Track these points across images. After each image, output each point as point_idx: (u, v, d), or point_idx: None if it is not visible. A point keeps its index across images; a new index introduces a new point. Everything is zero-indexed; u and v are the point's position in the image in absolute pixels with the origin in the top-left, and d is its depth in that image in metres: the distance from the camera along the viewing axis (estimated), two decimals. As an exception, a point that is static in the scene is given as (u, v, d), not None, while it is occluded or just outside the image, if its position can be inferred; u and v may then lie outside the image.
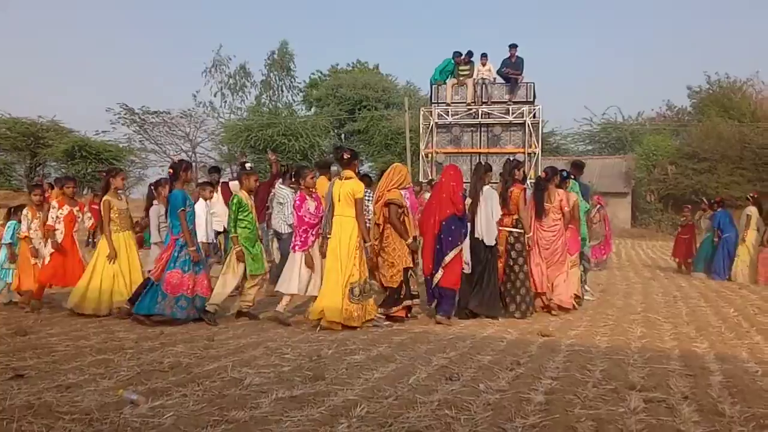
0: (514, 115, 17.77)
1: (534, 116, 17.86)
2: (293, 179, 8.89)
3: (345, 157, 7.73)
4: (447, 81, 18.41)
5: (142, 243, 8.58)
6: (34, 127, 35.49)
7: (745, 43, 73.33)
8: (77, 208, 8.68)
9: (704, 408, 4.46)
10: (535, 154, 17.83)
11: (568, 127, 48.20)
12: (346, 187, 7.45)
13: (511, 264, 8.61)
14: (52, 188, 19.59)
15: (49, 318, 7.70)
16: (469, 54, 18.22)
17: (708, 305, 9.83)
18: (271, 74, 42.38)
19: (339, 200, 7.49)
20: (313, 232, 7.87)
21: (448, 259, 7.90)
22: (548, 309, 8.90)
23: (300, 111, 41.91)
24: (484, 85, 18.01)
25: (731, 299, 10.54)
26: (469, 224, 8.21)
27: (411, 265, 7.93)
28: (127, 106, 36.89)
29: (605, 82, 73.53)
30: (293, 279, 7.77)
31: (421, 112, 19.16)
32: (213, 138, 39.58)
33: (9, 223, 8.96)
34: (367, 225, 7.85)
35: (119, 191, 8.29)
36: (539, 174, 9.54)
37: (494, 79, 18.22)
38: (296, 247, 7.85)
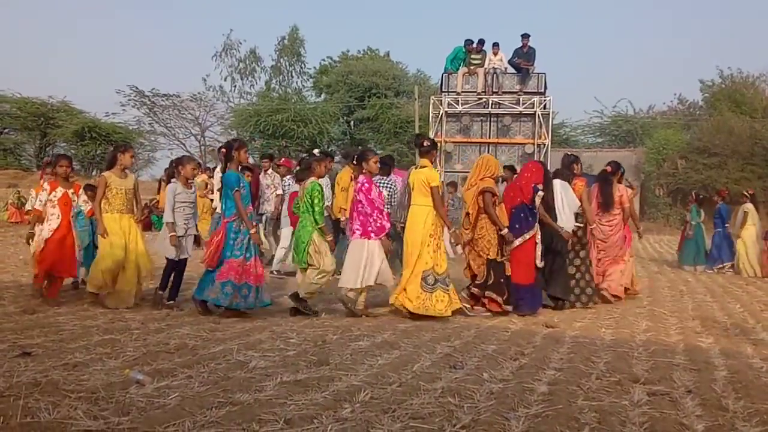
0: (525, 106, 17.70)
1: (544, 107, 17.78)
2: (355, 163, 8.51)
3: (425, 144, 7.73)
4: (458, 70, 18.33)
5: (151, 226, 8.54)
6: (45, 107, 35.55)
7: (759, 38, 72.67)
8: (72, 190, 7.93)
9: (707, 402, 4.46)
10: (544, 145, 17.78)
11: (578, 119, 48.02)
12: (421, 175, 7.45)
13: (572, 257, 8.76)
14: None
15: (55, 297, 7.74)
16: (481, 42, 18.14)
17: (714, 300, 9.81)
18: (281, 60, 42.27)
19: (413, 188, 7.50)
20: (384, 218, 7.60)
21: (516, 243, 7.90)
22: (603, 299, 9.11)
23: (309, 97, 41.81)
24: (495, 75, 17.94)
25: (738, 295, 10.51)
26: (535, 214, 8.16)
27: (498, 258, 7.79)
28: (137, 88, 36.90)
29: (617, 74, 73.03)
30: (355, 272, 7.40)
31: (431, 101, 19.10)
32: (222, 122, 39.59)
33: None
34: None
35: (126, 170, 7.66)
36: (604, 168, 9.63)
37: (505, 68, 18.15)
38: (373, 234, 7.45)
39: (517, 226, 7.97)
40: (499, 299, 7.79)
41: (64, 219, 7.66)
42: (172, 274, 7.72)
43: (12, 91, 35.50)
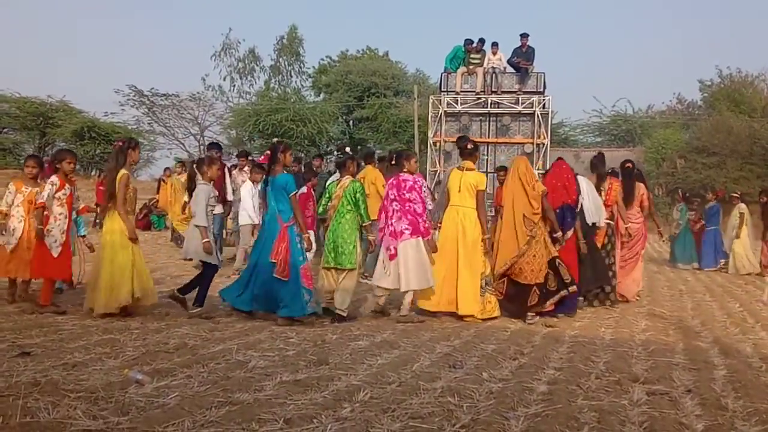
0: (524, 105, 17.68)
1: (543, 107, 17.76)
2: (393, 164, 8.17)
3: (468, 147, 7.73)
4: (457, 69, 18.33)
5: (150, 226, 8.42)
6: (44, 106, 35.50)
7: (758, 37, 72.68)
8: (73, 187, 7.45)
9: (707, 402, 4.46)
10: (543, 145, 17.75)
11: (578, 119, 48.00)
12: (469, 178, 7.46)
13: (604, 255, 8.80)
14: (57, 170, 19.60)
15: (54, 297, 7.72)
16: (481, 42, 18.13)
17: (713, 300, 9.81)
18: (281, 59, 42.28)
19: (459, 190, 7.47)
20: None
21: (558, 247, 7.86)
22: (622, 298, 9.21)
23: (309, 97, 41.77)
24: (494, 74, 17.92)
25: (737, 294, 10.52)
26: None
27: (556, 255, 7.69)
28: (136, 87, 36.86)
29: (616, 74, 72.99)
30: (421, 272, 7.25)
31: (430, 101, 19.08)
32: (221, 122, 39.56)
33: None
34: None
35: (132, 167, 7.25)
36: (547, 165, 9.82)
37: (504, 68, 18.13)
38: (417, 235, 7.32)
39: (562, 226, 7.96)
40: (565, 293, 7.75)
41: (69, 220, 7.22)
42: (198, 279, 7.39)
43: (11, 90, 35.46)
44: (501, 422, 3.86)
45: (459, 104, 18.09)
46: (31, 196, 7.32)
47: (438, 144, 18.53)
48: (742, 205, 13.99)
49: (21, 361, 4.74)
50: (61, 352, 5.09)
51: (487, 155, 17.49)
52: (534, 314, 7.56)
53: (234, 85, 42.27)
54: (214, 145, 11.40)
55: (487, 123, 18.20)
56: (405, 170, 7.58)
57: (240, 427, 3.60)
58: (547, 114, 18.03)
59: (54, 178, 7.10)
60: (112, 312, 6.66)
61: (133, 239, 6.81)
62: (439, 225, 7.69)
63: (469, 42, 18.09)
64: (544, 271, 7.52)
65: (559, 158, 8.84)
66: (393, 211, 7.43)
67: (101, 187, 18.62)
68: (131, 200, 6.96)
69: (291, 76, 42.75)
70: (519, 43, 17.86)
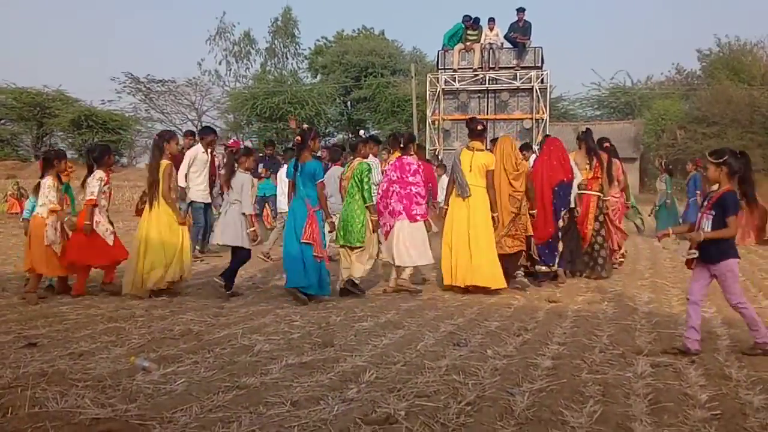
0: (522, 81, 17.60)
1: (542, 81, 17.67)
2: (402, 146, 8.15)
3: (479, 128, 7.97)
4: (454, 47, 18.22)
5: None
6: (40, 96, 35.45)
7: (756, 5, 72.10)
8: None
9: (711, 372, 4.49)
10: (542, 120, 17.68)
11: (576, 92, 47.80)
12: (480, 159, 7.69)
13: (598, 228, 8.99)
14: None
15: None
16: (476, 20, 18.01)
17: (716, 270, 9.81)
18: (276, 41, 42.06)
19: (470, 170, 7.69)
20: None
21: (561, 223, 8.32)
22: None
23: (306, 78, 41.68)
24: (491, 50, 17.81)
25: (740, 264, 10.50)
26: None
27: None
28: (132, 75, 36.79)
29: (614, 45, 72.56)
30: (412, 249, 7.61)
31: (428, 79, 18.98)
32: (218, 106, 39.47)
33: (30, 199, 7.86)
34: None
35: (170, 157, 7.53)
36: (542, 140, 9.97)
37: (502, 43, 18.01)
38: (420, 216, 7.71)
39: (558, 204, 8.32)
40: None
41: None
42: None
43: (6, 81, 35.37)
44: (506, 398, 3.88)
45: (457, 82, 18.00)
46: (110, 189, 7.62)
47: (437, 122, 18.46)
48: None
49: (28, 351, 4.76)
50: (67, 341, 5.12)
51: (486, 132, 17.44)
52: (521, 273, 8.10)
53: (230, 69, 42.22)
54: (209, 130, 11.25)
55: (486, 99, 18.12)
56: (411, 153, 7.88)
57: (247, 411, 3.62)
58: (546, 89, 17.95)
59: (101, 173, 7.39)
60: (161, 288, 7.18)
61: (182, 223, 7.33)
62: (446, 206, 7.94)
63: (467, 18, 17.97)
64: (523, 243, 7.98)
65: (548, 136, 9.09)
66: (393, 192, 7.70)
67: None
68: (174, 188, 7.49)
69: (287, 58, 42.66)
70: (515, 18, 17.73)
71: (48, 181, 7.18)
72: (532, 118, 17.54)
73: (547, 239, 8.32)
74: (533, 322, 6.15)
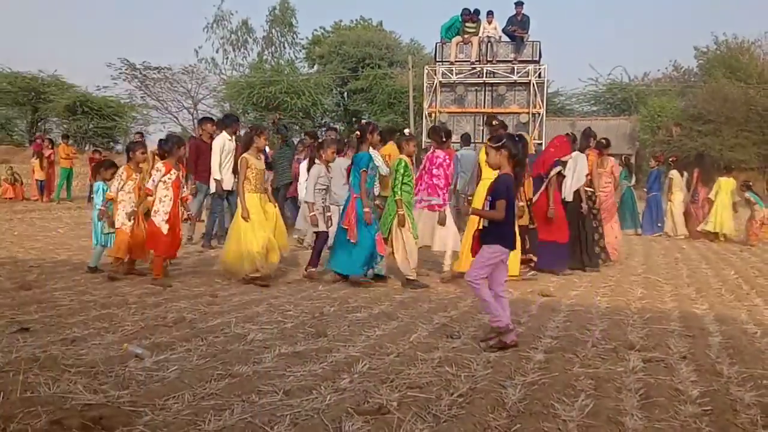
0: (519, 75, 17.59)
1: (539, 76, 17.67)
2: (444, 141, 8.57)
3: (494, 123, 8.28)
4: (452, 39, 18.17)
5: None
6: (36, 81, 35.24)
7: (754, 3, 72.13)
8: (182, 172, 7.90)
9: (702, 368, 4.51)
10: (539, 114, 17.69)
11: (573, 87, 47.79)
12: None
13: (591, 220, 9.29)
14: (53, 144, 19.45)
15: (51, 273, 7.74)
16: (476, 13, 17.97)
17: (709, 267, 9.87)
18: (273, 30, 41.88)
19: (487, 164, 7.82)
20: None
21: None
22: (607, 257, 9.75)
23: (302, 68, 41.46)
24: (489, 44, 17.79)
25: (732, 262, 10.58)
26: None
27: (529, 225, 8.39)
28: (128, 61, 36.53)
29: (612, 41, 72.52)
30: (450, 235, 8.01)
31: (425, 71, 18.95)
32: (215, 95, 39.32)
33: (97, 184, 8.07)
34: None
35: (259, 152, 7.74)
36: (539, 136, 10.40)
37: (500, 37, 17.99)
38: (437, 207, 8.04)
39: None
40: (535, 259, 8.51)
41: (175, 203, 7.50)
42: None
43: (1, 65, 35.14)
44: (498, 391, 3.90)
45: (454, 74, 17.98)
46: (178, 180, 7.63)
47: (433, 115, 18.44)
48: (674, 171, 14.60)
49: (20, 336, 4.75)
50: (59, 327, 5.11)
51: (483, 126, 17.42)
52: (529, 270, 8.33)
53: (227, 58, 41.99)
54: (233, 118, 11.23)
55: (483, 93, 18.12)
56: (445, 146, 8.34)
57: (240, 399, 3.63)
58: (543, 83, 17.96)
59: (160, 165, 7.48)
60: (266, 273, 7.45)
61: (244, 217, 7.34)
62: (470, 197, 8.08)
63: (466, 12, 17.92)
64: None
65: (560, 135, 9.38)
66: (424, 182, 8.15)
67: (94, 163, 18.62)
68: (254, 178, 7.52)
69: (284, 48, 42.46)
70: (514, 12, 17.70)
71: (158, 164, 7.51)
72: (528, 113, 17.56)
73: (554, 240, 8.64)
74: (526, 316, 6.16)
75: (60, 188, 19.14)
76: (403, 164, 7.66)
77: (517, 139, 5.15)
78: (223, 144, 10.16)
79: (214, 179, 10.13)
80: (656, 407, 3.71)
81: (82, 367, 4.04)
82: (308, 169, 8.63)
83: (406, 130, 8.51)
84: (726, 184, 13.91)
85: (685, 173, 14.67)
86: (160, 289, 6.92)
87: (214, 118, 12.69)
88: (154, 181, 7.40)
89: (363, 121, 8.12)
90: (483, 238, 4.99)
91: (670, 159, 15.55)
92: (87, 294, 6.54)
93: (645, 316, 6.26)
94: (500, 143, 5.00)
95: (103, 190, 7.75)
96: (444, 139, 8.34)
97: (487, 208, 4.99)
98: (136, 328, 5.19)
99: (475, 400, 3.73)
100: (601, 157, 10.27)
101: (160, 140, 8.19)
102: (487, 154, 5.17)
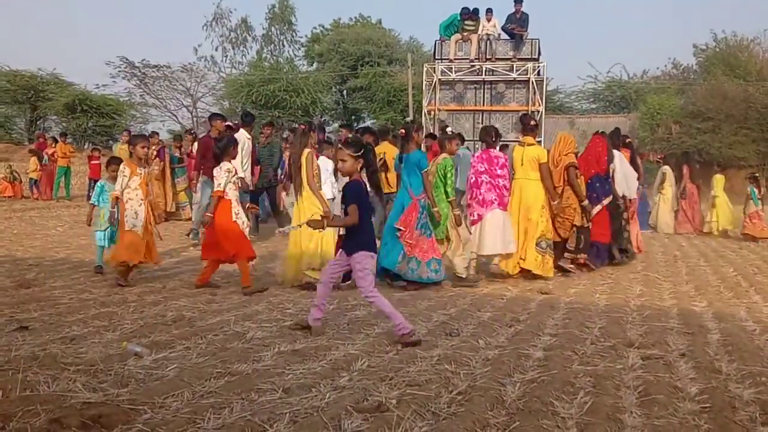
0: (518, 72, 17.59)
1: (538, 73, 17.66)
2: (405, 138, 8.30)
3: (532, 123, 8.42)
4: (451, 37, 18.16)
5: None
6: (35, 80, 35.13)
7: (753, 0, 72.07)
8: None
9: (701, 365, 4.51)
10: (538, 112, 17.69)
11: (572, 85, 47.75)
12: (532, 153, 8.10)
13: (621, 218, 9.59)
14: (56, 142, 19.43)
15: (50, 271, 7.74)
16: (476, 11, 17.96)
17: (708, 264, 9.87)
18: (272, 28, 41.81)
19: (522, 164, 8.10)
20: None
21: (595, 210, 8.75)
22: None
23: (302, 66, 41.39)
24: (488, 41, 17.78)
25: (731, 259, 10.58)
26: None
27: (585, 225, 8.53)
28: (126, 59, 36.42)
29: (611, 38, 72.43)
30: (500, 238, 7.83)
31: (425, 69, 18.94)
32: (214, 93, 39.24)
33: (99, 184, 7.98)
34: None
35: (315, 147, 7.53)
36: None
37: (499, 35, 17.98)
38: (503, 206, 7.95)
39: (594, 195, 8.81)
40: (588, 259, 8.71)
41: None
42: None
43: (0, 64, 35.07)
44: (497, 388, 3.90)
45: (453, 72, 17.97)
46: (147, 178, 7.34)
47: (432, 113, 18.43)
48: (666, 167, 14.90)
49: (19, 335, 4.76)
50: (59, 325, 5.11)
51: (482, 123, 17.41)
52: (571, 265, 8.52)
53: (226, 56, 41.87)
54: (252, 116, 11.21)
55: (482, 90, 18.12)
56: (494, 147, 8.26)
57: (239, 398, 3.63)
58: (542, 81, 17.95)
59: (228, 165, 7.12)
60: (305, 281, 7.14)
61: (327, 213, 6.94)
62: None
63: (465, 10, 17.91)
64: (572, 234, 8.46)
65: (598, 135, 9.49)
66: (482, 182, 7.95)
67: (93, 162, 18.62)
68: (317, 176, 7.34)
69: (283, 46, 42.34)
70: (513, 10, 17.69)
71: (226, 166, 7.09)
72: (527, 110, 17.52)
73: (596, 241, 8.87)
74: (525, 314, 6.17)
75: (57, 186, 19.12)
76: (451, 164, 7.68)
77: (369, 146, 5.34)
78: (244, 142, 10.13)
79: (238, 177, 10.01)
80: (655, 404, 3.71)
81: (82, 366, 4.05)
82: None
83: (449, 129, 8.41)
84: (720, 181, 14.29)
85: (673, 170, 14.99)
86: (160, 288, 6.92)
87: (224, 115, 12.60)
88: (222, 183, 6.95)
89: (408, 119, 8.02)
90: (344, 246, 5.09)
91: (658, 157, 15.67)
92: (86, 292, 6.54)
93: (644, 313, 6.26)
94: (360, 152, 5.08)
95: (101, 187, 7.64)
96: (494, 139, 8.21)
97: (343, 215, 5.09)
98: (135, 326, 5.19)
99: (474, 397, 3.73)
100: None
101: (214, 139, 8.06)
102: (343, 160, 5.09)
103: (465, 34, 17.97)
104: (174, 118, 38.25)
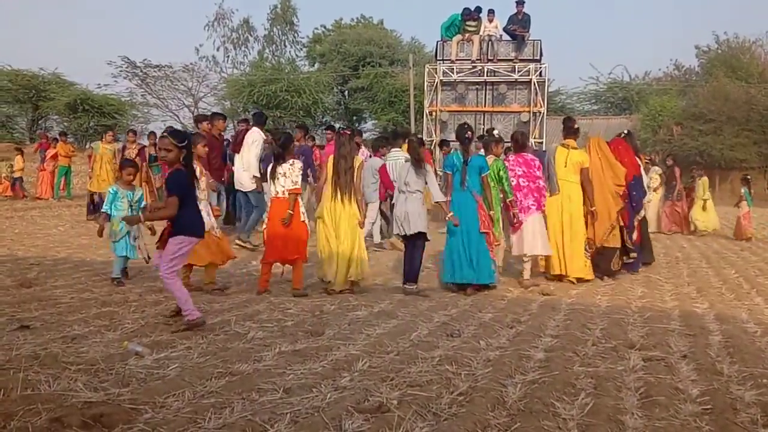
0: (520, 73, 17.54)
1: (540, 75, 17.61)
2: (522, 146, 8.57)
3: (574, 127, 8.51)
4: (453, 38, 18.14)
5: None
6: (36, 79, 35.17)
7: (755, 2, 72.00)
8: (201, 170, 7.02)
9: (703, 367, 4.51)
10: (540, 113, 17.65)
11: (574, 86, 47.73)
12: (576, 156, 8.21)
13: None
14: (56, 142, 19.40)
15: (52, 271, 7.74)
16: (478, 10, 17.94)
17: (709, 266, 9.86)
18: (274, 29, 41.86)
19: (565, 166, 8.19)
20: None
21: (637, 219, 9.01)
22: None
23: (303, 67, 41.41)
24: (490, 42, 17.75)
25: (733, 261, 10.57)
26: None
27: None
28: (128, 59, 36.46)
29: (613, 40, 72.48)
30: (540, 240, 7.92)
31: (426, 70, 18.91)
32: (215, 93, 39.27)
33: (112, 190, 7.16)
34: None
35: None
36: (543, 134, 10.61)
37: (501, 36, 17.95)
38: (540, 209, 8.03)
39: (633, 204, 8.87)
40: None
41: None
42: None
43: (2, 63, 35.09)
44: (498, 389, 3.90)
45: (455, 73, 17.94)
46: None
47: (434, 114, 18.40)
48: (657, 168, 15.26)
49: (20, 334, 4.75)
50: (60, 325, 5.11)
51: (483, 124, 17.39)
52: (619, 269, 8.59)
53: (228, 56, 41.95)
54: (219, 115, 11.16)
55: (484, 91, 18.05)
56: (527, 150, 8.46)
57: (240, 397, 3.63)
58: (544, 82, 17.89)
59: (300, 163, 7.07)
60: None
61: (361, 222, 7.28)
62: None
63: (467, 11, 17.89)
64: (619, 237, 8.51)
65: (618, 136, 9.56)
66: (522, 186, 8.01)
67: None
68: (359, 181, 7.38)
69: (285, 46, 42.41)
70: (515, 11, 17.67)
71: (299, 164, 7.00)
72: (529, 111, 17.46)
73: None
74: (526, 315, 6.16)
75: (58, 186, 19.10)
76: (502, 165, 7.78)
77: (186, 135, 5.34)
78: (260, 141, 10.15)
79: (254, 176, 10.01)
80: (656, 406, 3.71)
81: (83, 365, 4.04)
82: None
83: (495, 131, 8.42)
84: (706, 183, 14.86)
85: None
86: (161, 287, 6.91)
87: (226, 114, 12.56)
88: (298, 181, 6.91)
89: (464, 124, 8.03)
90: (171, 232, 5.14)
91: (646, 160, 15.75)
92: (87, 292, 6.55)
93: (645, 315, 6.26)
94: (184, 143, 5.12)
95: (113, 194, 7.01)
96: (469, 137, 7.97)
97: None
98: (136, 325, 5.20)
99: (476, 398, 3.72)
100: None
101: (273, 138, 7.77)
102: (168, 150, 5.09)
103: (467, 35, 17.93)
104: (175, 117, 38.23)
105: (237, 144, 10.44)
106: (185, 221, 5.09)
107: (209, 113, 12.05)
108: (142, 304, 6.06)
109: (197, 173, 6.48)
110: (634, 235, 8.85)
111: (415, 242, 7.31)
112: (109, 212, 7.04)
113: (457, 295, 7.09)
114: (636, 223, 8.97)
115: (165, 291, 6.67)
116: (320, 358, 4.45)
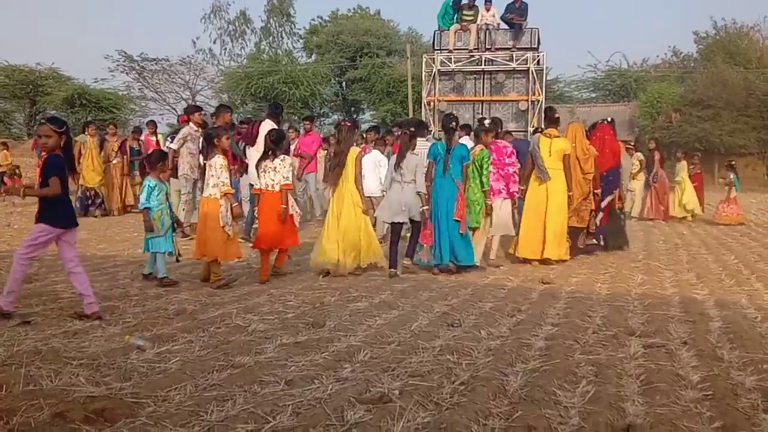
0: (518, 62, 17.49)
1: (538, 63, 17.55)
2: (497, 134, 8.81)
3: (556, 116, 8.84)
4: (450, 27, 18.07)
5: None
6: (33, 74, 35.05)
7: (754, -13, 71.65)
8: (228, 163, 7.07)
9: (703, 353, 4.52)
10: (538, 101, 17.61)
11: (572, 74, 47.54)
12: (559, 144, 8.48)
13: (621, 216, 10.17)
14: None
15: (52, 266, 7.73)
16: (473, -1, 17.87)
17: (709, 252, 9.87)
18: (271, 20, 41.73)
19: (549, 155, 8.46)
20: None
21: (603, 204, 9.26)
22: None
23: (300, 58, 41.31)
24: (487, 31, 17.69)
25: (732, 247, 10.58)
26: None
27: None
28: (125, 53, 36.36)
29: (610, 27, 72.28)
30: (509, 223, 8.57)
31: (424, 60, 18.85)
32: (213, 86, 39.18)
33: (149, 182, 6.83)
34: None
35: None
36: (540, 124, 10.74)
37: (498, 24, 17.88)
38: (515, 192, 8.61)
39: (607, 187, 9.27)
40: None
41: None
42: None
43: (-1, 59, 34.96)
44: (500, 378, 3.91)
45: (452, 63, 17.89)
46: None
47: (432, 104, 18.36)
48: (639, 153, 15.60)
49: (22, 329, 4.76)
50: (61, 320, 5.12)
51: (482, 113, 17.35)
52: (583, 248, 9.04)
53: (225, 48, 41.85)
54: (226, 108, 11.03)
55: (482, 81, 18.00)
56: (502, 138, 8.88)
57: (242, 390, 3.64)
58: (542, 70, 17.83)
59: (290, 159, 7.46)
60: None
61: (365, 211, 7.58)
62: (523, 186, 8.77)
63: (456, 0, 17.80)
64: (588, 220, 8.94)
65: (602, 122, 9.80)
66: (491, 173, 8.22)
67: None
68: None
69: (282, 38, 42.29)
70: (512, -1, 17.60)
71: (219, 161, 6.78)
72: (527, 100, 17.42)
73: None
74: (527, 303, 6.17)
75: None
76: (487, 155, 7.97)
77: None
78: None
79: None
80: (657, 393, 3.72)
81: (84, 360, 4.05)
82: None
83: (486, 121, 8.45)
84: (685, 167, 15.45)
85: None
86: (164, 282, 6.91)
87: (230, 107, 12.49)
88: (289, 177, 7.20)
89: (448, 113, 8.32)
90: (38, 216, 5.16)
91: (627, 147, 15.89)
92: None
93: (645, 302, 6.27)
94: (63, 129, 5.18)
95: (151, 188, 6.74)
96: (454, 127, 8.18)
97: None
98: (137, 320, 5.20)
99: (477, 387, 3.73)
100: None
101: (267, 133, 7.42)
102: (48, 136, 5.12)
103: (464, 24, 17.87)
104: (173, 111, 38.12)
105: (252, 137, 10.28)
106: (50, 211, 5.12)
107: (195, 104, 11.98)
108: (143, 298, 6.06)
109: (220, 165, 6.75)
110: (599, 218, 9.16)
111: (411, 227, 7.94)
112: (149, 206, 6.72)
113: (457, 285, 7.09)
114: (604, 206, 9.26)
115: (166, 285, 6.70)
116: (321, 349, 4.46)
